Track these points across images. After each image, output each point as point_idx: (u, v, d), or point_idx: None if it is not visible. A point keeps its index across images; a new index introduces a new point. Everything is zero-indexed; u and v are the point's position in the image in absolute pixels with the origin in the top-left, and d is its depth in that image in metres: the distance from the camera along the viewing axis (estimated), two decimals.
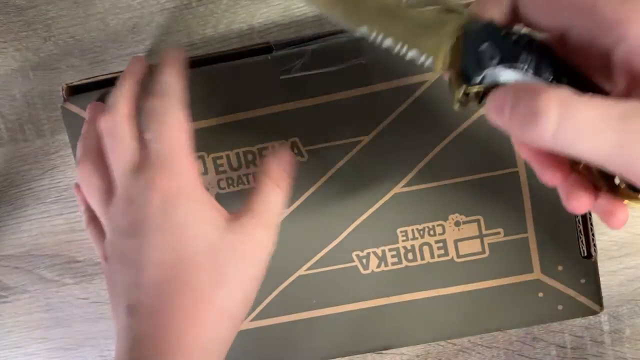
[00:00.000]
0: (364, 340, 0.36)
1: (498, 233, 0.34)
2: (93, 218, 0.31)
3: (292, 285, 0.35)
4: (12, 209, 0.40)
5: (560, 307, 0.35)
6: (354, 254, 0.35)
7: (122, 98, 0.30)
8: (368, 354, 0.39)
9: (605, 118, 0.18)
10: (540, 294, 0.35)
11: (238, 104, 0.34)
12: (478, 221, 0.34)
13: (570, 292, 0.34)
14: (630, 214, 0.37)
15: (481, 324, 0.35)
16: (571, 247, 0.34)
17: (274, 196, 0.29)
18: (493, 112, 0.21)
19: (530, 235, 0.34)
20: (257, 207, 0.29)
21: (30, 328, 0.41)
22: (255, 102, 0.34)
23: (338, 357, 0.36)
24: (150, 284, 0.26)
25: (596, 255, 0.34)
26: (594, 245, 0.34)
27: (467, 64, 0.22)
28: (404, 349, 0.39)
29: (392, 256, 0.35)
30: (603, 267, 0.35)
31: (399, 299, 0.35)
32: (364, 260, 0.35)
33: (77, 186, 0.32)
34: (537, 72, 0.21)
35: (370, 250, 0.35)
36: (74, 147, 0.34)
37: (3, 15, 0.38)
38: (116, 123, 0.29)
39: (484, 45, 0.21)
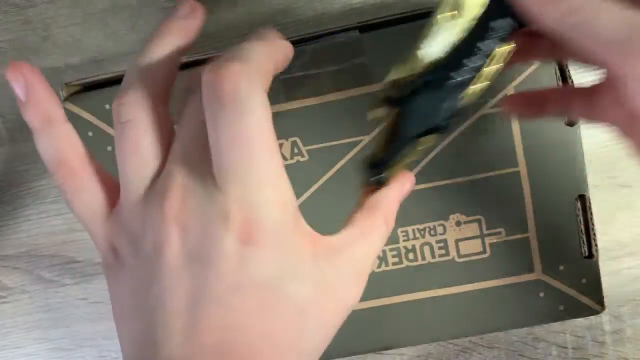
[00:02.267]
0: (364, 340, 0.36)
1: (499, 233, 0.34)
2: None
3: None
4: (12, 209, 0.40)
5: (561, 307, 0.34)
6: None
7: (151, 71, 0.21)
8: (368, 354, 0.39)
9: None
10: (541, 294, 0.35)
11: None
12: (479, 221, 0.34)
13: (572, 292, 0.34)
14: (631, 215, 0.37)
15: (482, 324, 0.35)
16: (572, 247, 0.34)
17: (378, 236, 0.22)
18: None
19: (532, 235, 0.34)
20: (352, 245, 0.21)
21: (30, 328, 0.41)
22: None
23: (338, 357, 0.36)
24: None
25: (597, 255, 0.34)
26: (595, 245, 0.34)
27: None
28: (404, 349, 0.39)
29: (393, 256, 0.35)
30: (604, 267, 0.35)
31: (400, 299, 0.35)
32: None
33: None
34: None
35: None
36: None
37: (2, 14, 0.38)
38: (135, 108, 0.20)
39: None
